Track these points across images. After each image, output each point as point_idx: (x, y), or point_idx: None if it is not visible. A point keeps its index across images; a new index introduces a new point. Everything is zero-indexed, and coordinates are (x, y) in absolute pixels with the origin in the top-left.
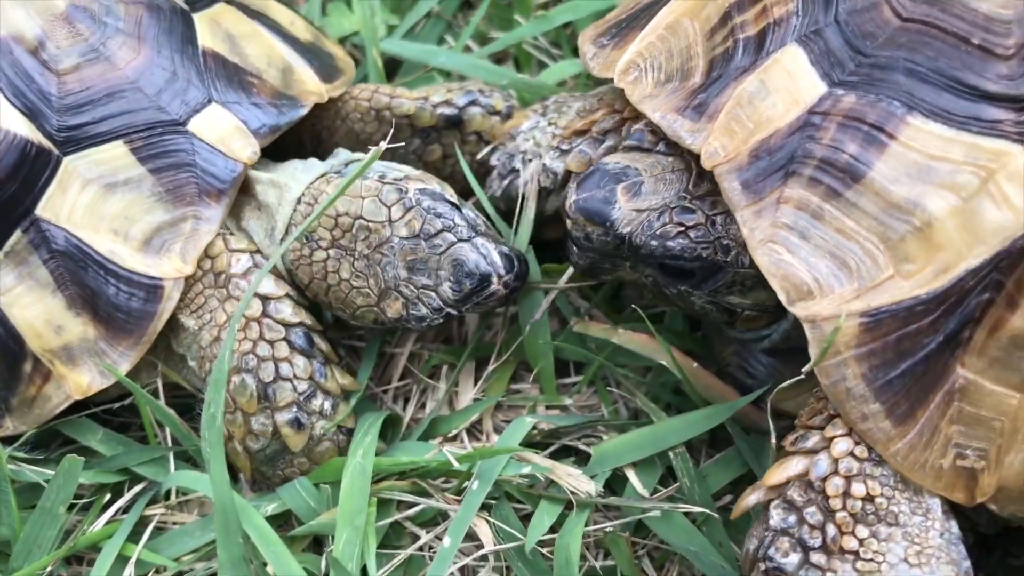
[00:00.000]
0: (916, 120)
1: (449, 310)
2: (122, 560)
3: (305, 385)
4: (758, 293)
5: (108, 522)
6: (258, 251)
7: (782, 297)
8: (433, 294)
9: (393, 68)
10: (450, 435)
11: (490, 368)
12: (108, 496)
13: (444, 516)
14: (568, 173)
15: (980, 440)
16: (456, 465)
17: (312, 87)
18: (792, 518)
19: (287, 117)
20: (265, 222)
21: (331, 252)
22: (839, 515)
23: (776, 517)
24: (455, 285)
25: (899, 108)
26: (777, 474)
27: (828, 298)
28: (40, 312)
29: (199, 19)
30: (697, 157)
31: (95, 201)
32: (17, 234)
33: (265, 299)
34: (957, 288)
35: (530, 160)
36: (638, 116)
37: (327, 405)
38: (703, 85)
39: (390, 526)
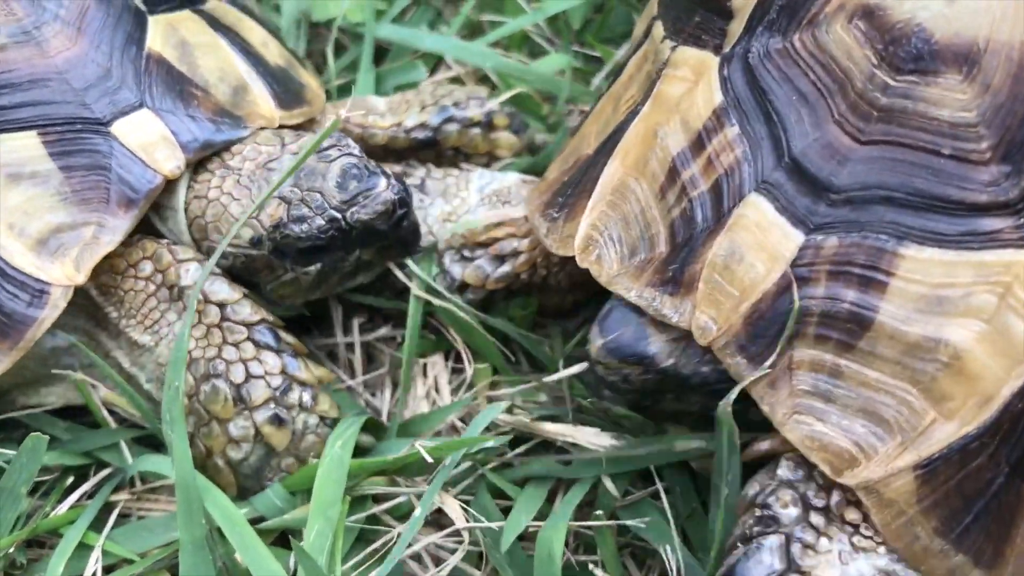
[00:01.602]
0: (910, 250)
1: (333, 213)
2: (84, 548)
3: (279, 380)
4: None
5: (71, 507)
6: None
7: (826, 470)
8: (318, 195)
9: (381, 54)
10: (432, 432)
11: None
12: (71, 480)
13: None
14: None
15: None
16: (429, 459)
17: (264, 111)
18: (802, 472)
19: (224, 135)
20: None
21: (218, 172)
22: None
23: (785, 467)
24: (341, 183)
25: (888, 241)
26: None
27: (874, 460)
28: None
29: (154, 22)
30: None
31: None
32: None
33: (222, 305)
34: (1007, 414)
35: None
36: (533, 250)
37: (306, 397)
38: (671, 253)
39: (366, 521)
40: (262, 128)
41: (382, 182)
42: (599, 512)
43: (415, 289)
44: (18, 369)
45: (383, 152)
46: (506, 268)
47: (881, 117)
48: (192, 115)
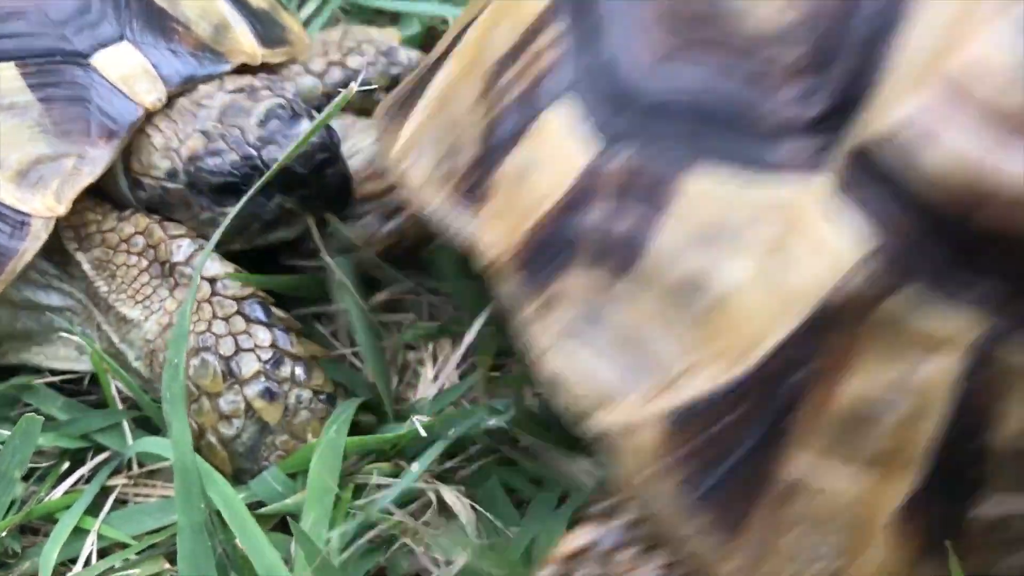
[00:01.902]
0: (695, 171)
1: (249, 150)
2: (80, 533)
3: (269, 353)
4: None
5: (67, 492)
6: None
7: (575, 411)
8: (237, 130)
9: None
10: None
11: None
12: (67, 464)
13: (427, 504)
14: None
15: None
16: (423, 433)
17: (246, 47)
18: None
19: (206, 70)
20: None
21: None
22: None
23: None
24: (263, 121)
25: (674, 162)
26: (566, 544)
27: (624, 403)
28: None
29: None
30: None
31: None
32: None
33: (212, 280)
34: (767, 369)
35: None
36: None
37: (298, 371)
38: (475, 163)
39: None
40: (244, 64)
41: (305, 124)
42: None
43: (325, 256)
44: (12, 318)
45: None
46: (391, 226)
47: (691, 24)
48: (173, 49)
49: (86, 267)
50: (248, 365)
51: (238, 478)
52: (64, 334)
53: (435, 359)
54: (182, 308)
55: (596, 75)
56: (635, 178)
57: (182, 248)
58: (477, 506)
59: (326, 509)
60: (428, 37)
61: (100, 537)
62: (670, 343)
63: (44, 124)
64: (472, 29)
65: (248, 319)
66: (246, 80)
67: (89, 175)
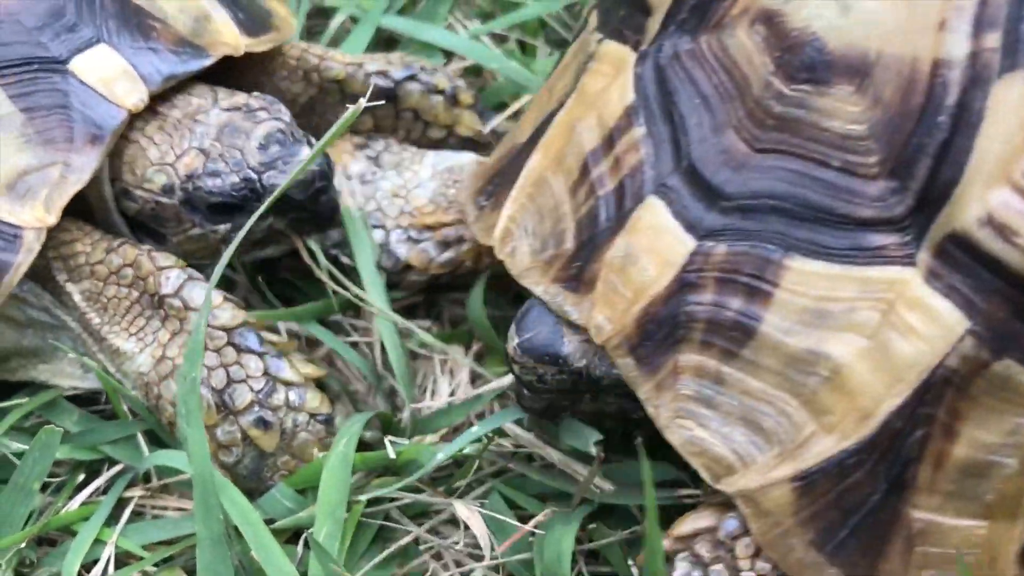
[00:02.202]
0: (796, 262)
1: (249, 173)
2: (97, 545)
3: (262, 383)
4: None
5: (83, 504)
6: (188, 265)
7: (705, 476)
8: (238, 152)
9: (392, 47)
10: (449, 429)
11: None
12: (83, 476)
13: (439, 511)
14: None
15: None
16: (392, 455)
17: (228, 39)
18: (697, 573)
19: (187, 66)
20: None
21: (146, 116)
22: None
23: (680, 571)
24: (264, 145)
25: (775, 252)
26: (683, 526)
27: (752, 469)
28: None
29: None
30: None
31: None
32: None
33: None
34: (886, 431)
35: (374, 227)
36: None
37: (292, 396)
38: (577, 251)
39: (384, 519)
40: (227, 56)
41: (305, 151)
42: (593, 525)
43: (320, 272)
44: (18, 336)
45: (339, 96)
46: (450, 255)
47: (775, 125)
48: (152, 47)
49: (77, 298)
50: (241, 396)
51: (247, 496)
52: (71, 354)
53: (445, 368)
54: (196, 323)
55: (679, 178)
56: (736, 268)
57: (170, 280)
58: (495, 515)
59: (338, 521)
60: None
61: (117, 548)
62: (788, 414)
63: (28, 134)
64: (556, 122)
65: (239, 349)
66: (241, 99)
67: (76, 183)
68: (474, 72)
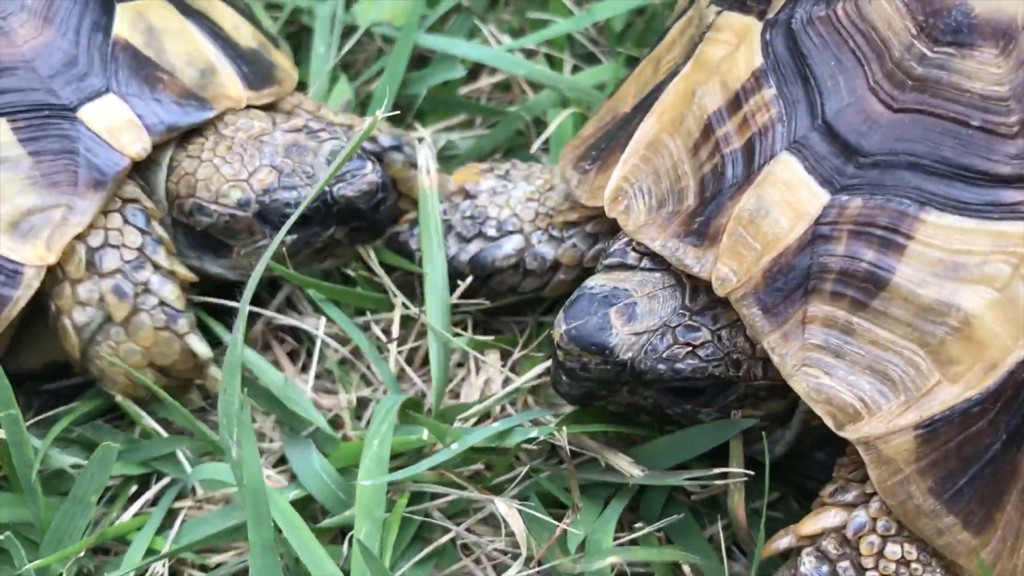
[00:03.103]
0: (931, 216)
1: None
2: (149, 553)
3: (133, 255)
4: (772, 403)
5: (135, 515)
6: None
7: (829, 422)
8: (309, 168)
9: (423, 64)
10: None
11: (516, 356)
12: (135, 488)
13: (477, 510)
14: (556, 261)
15: None
16: (425, 437)
17: (231, 92)
18: (825, 568)
19: (190, 118)
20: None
21: (211, 137)
22: (870, 574)
23: (808, 565)
24: (331, 160)
25: (911, 206)
26: (812, 524)
27: (877, 416)
28: None
29: (122, 9)
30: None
31: None
32: None
33: (130, 200)
34: (1011, 382)
35: (510, 232)
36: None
37: (154, 280)
38: (699, 207)
39: (423, 520)
40: (230, 109)
41: (369, 165)
42: (639, 525)
43: (383, 278)
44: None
45: None
46: (602, 245)
47: (915, 86)
48: (158, 98)
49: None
50: (110, 261)
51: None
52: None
53: (480, 375)
54: (234, 337)
55: (814, 135)
56: (870, 221)
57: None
58: (534, 512)
59: (377, 521)
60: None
61: (168, 556)
62: (915, 364)
63: (34, 176)
64: (671, 89)
65: (126, 220)
66: (300, 122)
67: (77, 225)
68: (503, 87)
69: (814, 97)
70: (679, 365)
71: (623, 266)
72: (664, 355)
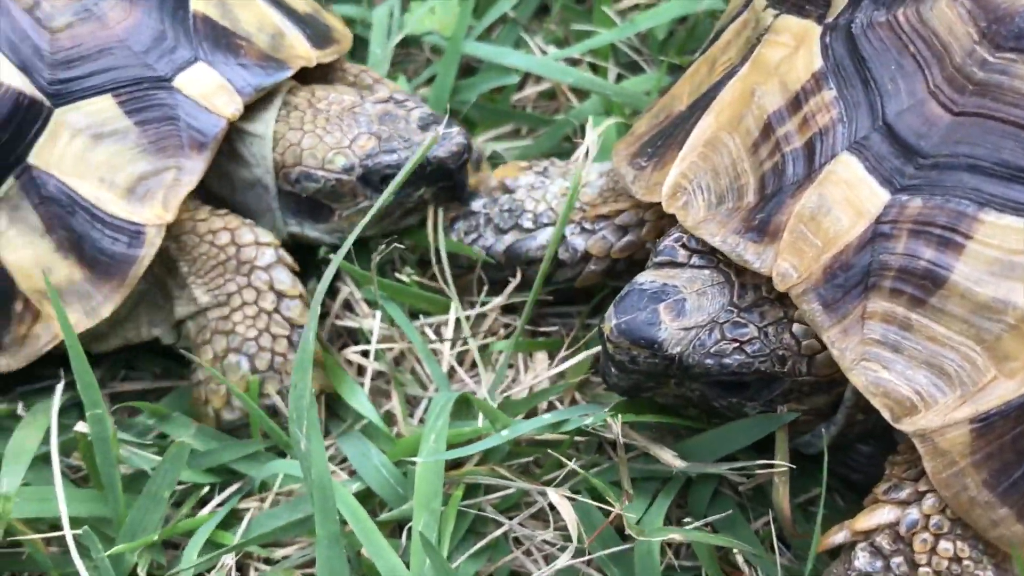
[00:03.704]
0: (990, 216)
1: (416, 149)
2: (217, 547)
3: (289, 380)
4: (816, 398)
5: (211, 511)
6: (281, 245)
7: (886, 415)
8: (405, 133)
9: (471, 73)
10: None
11: (563, 354)
12: (206, 489)
13: (528, 504)
14: (586, 252)
15: None
16: (480, 424)
17: (301, 52)
18: (879, 564)
19: (272, 78)
20: (247, 172)
21: (309, 111)
22: (923, 570)
23: (863, 559)
24: (423, 125)
25: (970, 206)
26: (866, 520)
27: (933, 409)
28: (30, 254)
29: None
30: (739, 269)
31: (83, 150)
32: (10, 180)
33: (280, 295)
34: None
35: (546, 225)
36: (660, 219)
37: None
38: (759, 203)
39: (476, 515)
40: (303, 68)
41: (456, 128)
42: (688, 520)
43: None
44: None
45: None
46: (631, 237)
47: (975, 91)
48: (241, 63)
49: (171, 248)
50: (271, 385)
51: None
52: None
53: (528, 372)
54: (305, 334)
55: (875, 136)
56: (930, 220)
57: (266, 255)
58: (586, 500)
59: (434, 513)
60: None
61: (237, 551)
62: (971, 359)
63: (143, 144)
64: (729, 89)
65: (292, 345)
66: (384, 93)
67: (188, 184)
68: (548, 96)
69: (874, 99)
70: (726, 360)
71: (672, 263)
72: (712, 350)
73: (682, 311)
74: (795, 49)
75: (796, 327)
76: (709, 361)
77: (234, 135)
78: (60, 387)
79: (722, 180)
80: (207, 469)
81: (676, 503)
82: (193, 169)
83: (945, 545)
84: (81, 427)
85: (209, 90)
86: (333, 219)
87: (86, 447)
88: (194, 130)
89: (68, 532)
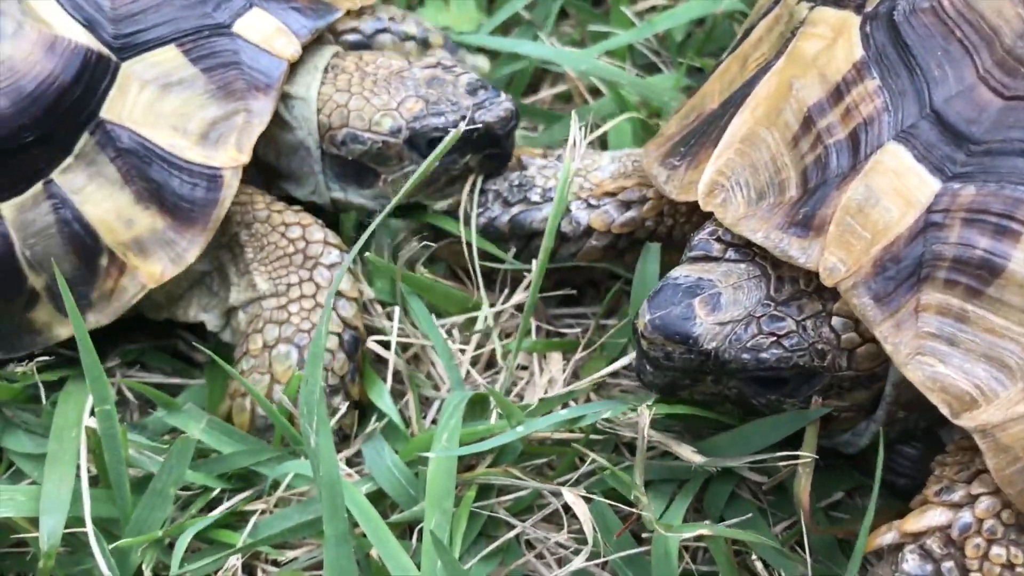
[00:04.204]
0: None
1: (465, 112)
2: (224, 548)
3: (335, 380)
4: (857, 394)
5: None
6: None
7: (945, 411)
8: (453, 97)
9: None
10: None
11: (579, 355)
12: (216, 492)
13: (541, 507)
14: (589, 228)
15: None
16: (494, 421)
17: None
18: (929, 567)
19: (325, 19)
20: (290, 136)
21: (356, 73)
22: None
23: (912, 563)
24: (471, 90)
25: None
26: (917, 522)
27: (994, 404)
28: (111, 207)
29: None
30: (775, 262)
31: (153, 101)
32: (85, 136)
33: (338, 294)
34: None
35: (552, 200)
36: (661, 198)
37: (342, 406)
38: (802, 198)
39: (488, 517)
40: (348, 11)
41: (503, 94)
42: (707, 523)
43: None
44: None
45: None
46: (632, 213)
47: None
48: (294, 7)
49: (242, 234)
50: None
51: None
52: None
53: (544, 375)
54: (318, 330)
55: (923, 124)
56: (984, 208)
57: (332, 255)
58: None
59: (446, 513)
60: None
61: (244, 552)
62: None
63: (210, 90)
64: (764, 83)
65: (342, 344)
66: (432, 60)
67: (259, 124)
68: (564, 99)
69: (920, 86)
70: (763, 355)
71: (707, 258)
72: (748, 344)
73: (717, 305)
74: (833, 40)
75: (836, 320)
76: (746, 356)
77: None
78: (90, 401)
79: (761, 175)
80: (219, 474)
81: (694, 507)
82: (262, 110)
83: (998, 551)
84: (90, 422)
85: (268, 33)
86: (378, 184)
87: (95, 443)
88: (258, 72)
89: (90, 528)
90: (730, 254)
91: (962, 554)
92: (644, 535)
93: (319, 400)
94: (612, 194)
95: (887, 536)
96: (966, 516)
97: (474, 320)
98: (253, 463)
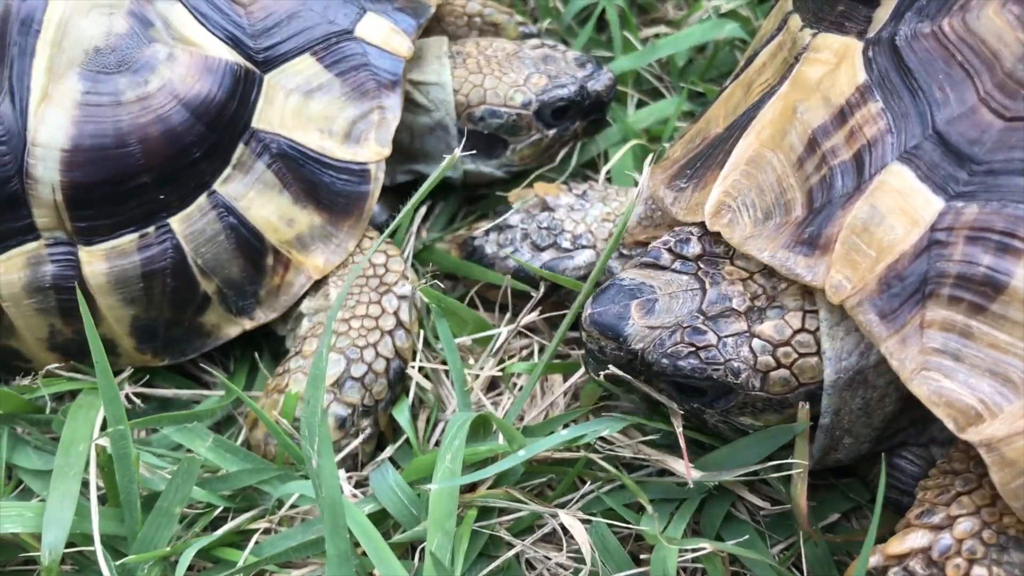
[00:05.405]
0: None
1: (582, 82)
2: (228, 565)
3: (371, 402)
4: (769, 416)
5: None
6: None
7: (950, 425)
8: (568, 70)
9: None
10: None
11: (579, 377)
12: (219, 510)
13: (541, 527)
14: None
15: None
16: (500, 442)
17: None
18: None
19: (423, 17)
20: (426, 118)
21: (480, 57)
22: None
23: None
24: (580, 64)
25: None
26: (899, 544)
27: (999, 418)
28: (272, 210)
29: None
30: (714, 280)
31: (299, 107)
32: (241, 147)
33: (399, 324)
34: None
35: (584, 247)
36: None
37: (368, 430)
38: (807, 217)
39: (489, 537)
40: (439, 6)
41: (604, 67)
42: (704, 544)
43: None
44: None
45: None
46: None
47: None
48: (397, 7)
49: None
50: (353, 395)
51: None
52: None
53: (544, 396)
54: (319, 348)
55: (926, 145)
56: (987, 226)
57: (404, 287)
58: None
59: (448, 534)
60: None
61: (247, 570)
62: None
63: (346, 92)
64: (769, 107)
65: (388, 370)
66: (535, 41)
67: (394, 119)
68: None
69: (923, 108)
70: (680, 363)
71: (656, 265)
72: (669, 351)
73: (652, 310)
74: (836, 65)
75: (756, 343)
76: (665, 361)
77: (407, 87)
78: (99, 418)
79: (767, 196)
80: (224, 493)
81: (692, 528)
82: (394, 106)
83: (979, 571)
84: (102, 441)
85: (385, 35)
86: (505, 154)
87: (106, 462)
88: (384, 72)
89: (99, 546)
90: (676, 265)
91: (943, 574)
92: (643, 556)
93: (320, 421)
94: (644, 244)
95: (872, 559)
96: (946, 538)
97: (483, 340)
98: (257, 482)
